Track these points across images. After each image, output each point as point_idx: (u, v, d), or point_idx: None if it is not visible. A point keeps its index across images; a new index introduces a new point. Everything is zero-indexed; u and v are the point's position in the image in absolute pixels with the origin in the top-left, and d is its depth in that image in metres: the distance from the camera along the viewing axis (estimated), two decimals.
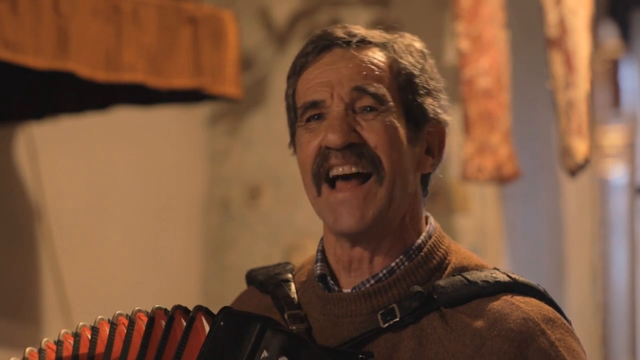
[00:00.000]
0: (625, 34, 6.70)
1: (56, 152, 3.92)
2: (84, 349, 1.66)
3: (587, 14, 3.53)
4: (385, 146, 1.62)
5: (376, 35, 1.69)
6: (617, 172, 6.92)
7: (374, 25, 1.72)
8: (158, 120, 4.31)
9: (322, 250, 1.72)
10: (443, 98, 1.71)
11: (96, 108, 3.49)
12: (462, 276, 1.63)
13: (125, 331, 1.61)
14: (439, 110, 1.69)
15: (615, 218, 6.75)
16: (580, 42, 3.51)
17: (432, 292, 1.61)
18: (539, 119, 4.96)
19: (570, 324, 1.64)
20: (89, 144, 4.08)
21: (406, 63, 1.67)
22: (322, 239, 1.73)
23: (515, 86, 3.96)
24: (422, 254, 1.66)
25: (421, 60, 1.70)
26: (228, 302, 1.86)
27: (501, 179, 3.76)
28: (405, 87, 1.66)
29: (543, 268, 5.23)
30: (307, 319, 1.68)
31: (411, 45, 1.70)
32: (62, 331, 1.70)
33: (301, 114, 1.66)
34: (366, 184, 1.62)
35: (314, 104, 1.65)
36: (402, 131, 1.64)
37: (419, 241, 1.67)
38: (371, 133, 1.62)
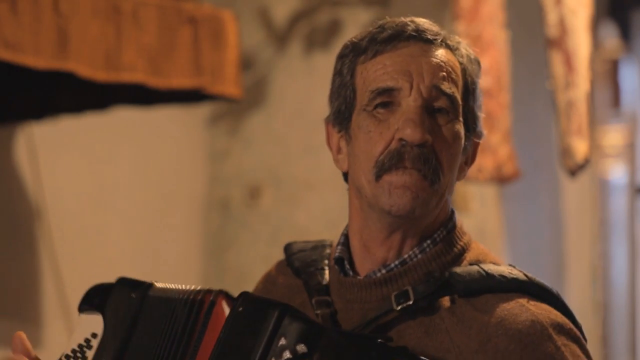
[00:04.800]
0: (625, 34, 6.71)
1: (56, 152, 3.92)
2: None
3: (587, 14, 3.53)
4: (449, 156, 1.64)
5: (447, 36, 1.68)
6: (617, 172, 6.92)
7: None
8: (158, 120, 4.31)
9: (345, 234, 1.73)
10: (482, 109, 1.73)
11: (96, 108, 3.49)
12: (480, 267, 1.63)
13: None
14: (481, 123, 1.71)
15: (615, 218, 6.76)
16: (580, 42, 3.51)
17: (449, 278, 1.61)
18: (539, 119, 4.96)
19: (581, 329, 1.64)
20: (89, 144, 4.08)
21: (472, 72, 1.68)
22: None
23: (515, 86, 3.96)
24: (436, 248, 1.66)
25: (479, 72, 1.70)
26: None
27: (501, 179, 3.76)
28: (468, 95, 1.67)
29: (543, 268, 5.23)
30: (333, 303, 1.69)
31: (471, 54, 1.70)
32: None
33: (371, 99, 1.64)
34: (426, 182, 1.62)
35: (389, 91, 1.63)
36: (462, 140, 1.66)
37: (435, 235, 1.68)
38: (441, 140, 1.62)
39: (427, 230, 1.67)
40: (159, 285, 1.71)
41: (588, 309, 5.69)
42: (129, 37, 3.00)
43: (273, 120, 4.71)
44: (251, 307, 1.57)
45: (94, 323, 1.73)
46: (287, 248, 1.84)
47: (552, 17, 3.54)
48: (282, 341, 1.51)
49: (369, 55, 1.66)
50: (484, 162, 3.69)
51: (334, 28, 4.60)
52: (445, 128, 1.63)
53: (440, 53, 1.65)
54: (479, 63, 1.71)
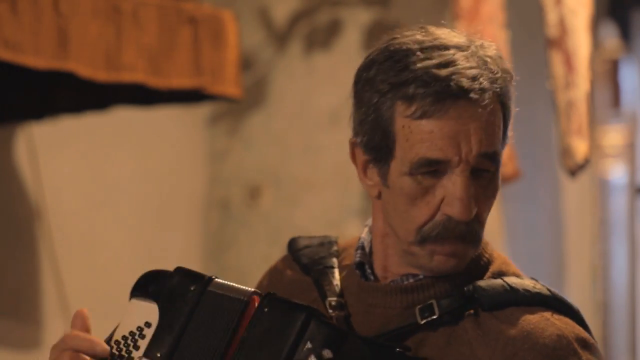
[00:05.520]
0: (625, 34, 6.70)
1: (56, 152, 3.92)
2: None
3: (587, 14, 3.53)
4: (488, 209, 1.65)
5: (494, 77, 1.61)
6: (617, 172, 6.92)
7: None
8: (158, 120, 4.31)
9: (366, 239, 1.72)
10: None
11: (96, 108, 3.49)
12: (504, 281, 1.63)
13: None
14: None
15: (615, 218, 6.75)
16: (580, 42, 3.51)
17: (474, 292, 1.61)
18: (539, 119, 4.96)
19: (597, 345, 1.65)
20: (89, 144, 4.08)
21: (510, 104, 1.65)
22: (368, 226, 1.72)
23: (515, 86, 3.96)
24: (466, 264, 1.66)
25: (514, 84, 1.66)
26: None
27: (501, 179, 3.76)
28: (505, 129, 1.65)
29: (543, 268, 5.23)
30: (347, 306, 1.68)
31: (509, 72, 1.65)
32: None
33: (415, 167, 1.58)
34: (470, 247, 1.64)
35: (436, 162, 1.58)
36: (500, 183, 1.67)
37: None
38: (484, 200, 1.63)
39: None
40: (218, 280, 1.66)
41: (588, 309, 5.69)
42: (129, 37, 3.00)
43: (273, 120, 4.71)
44: (276, 308, 1.56)
45: (148, 311, 1.66)
46: (292, 243, 1.82)
47: (552, 17, 3.54)
48: (308, 345, 1.50)
49: (414, 112, 1.57)
50: None
51: (334, 28, 4.60)
52: (488, 188, 1.63)
53: (485, 111, 1.59)
54: (512, 75, 1.67)
